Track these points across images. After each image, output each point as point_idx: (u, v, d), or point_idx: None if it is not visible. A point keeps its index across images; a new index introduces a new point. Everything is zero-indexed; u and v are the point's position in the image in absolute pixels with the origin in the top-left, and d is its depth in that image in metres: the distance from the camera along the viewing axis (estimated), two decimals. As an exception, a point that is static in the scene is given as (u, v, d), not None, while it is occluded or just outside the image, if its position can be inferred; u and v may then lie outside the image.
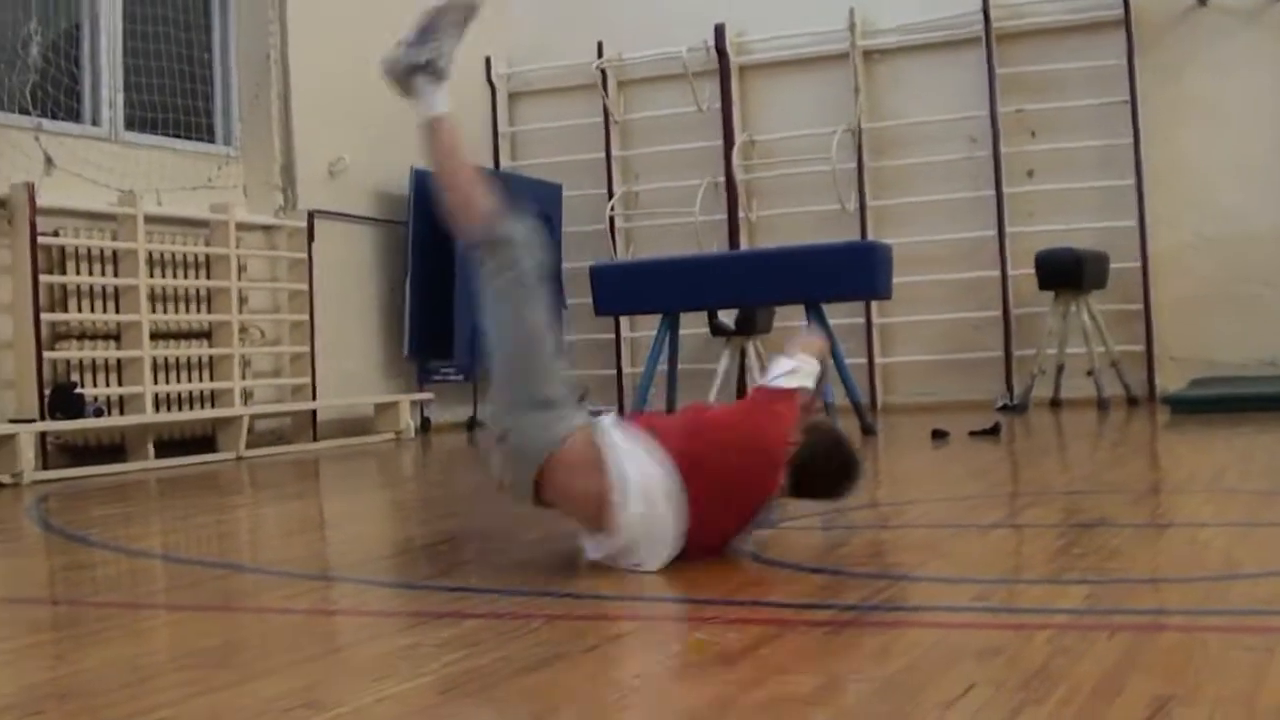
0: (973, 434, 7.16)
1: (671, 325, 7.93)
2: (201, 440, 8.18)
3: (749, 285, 7.63)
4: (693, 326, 9.26)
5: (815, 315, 7.50)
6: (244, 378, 8.51)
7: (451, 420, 10.14)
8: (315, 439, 8.90)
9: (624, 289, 7.88)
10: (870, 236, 9.90)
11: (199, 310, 8.30)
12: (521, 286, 3.30)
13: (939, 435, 7.17)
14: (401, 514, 5.65)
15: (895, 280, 9.50)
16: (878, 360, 10.08)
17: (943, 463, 6.29)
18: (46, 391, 7.21)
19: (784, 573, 3.28)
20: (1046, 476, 5.65)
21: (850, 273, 7.33)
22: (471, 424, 10.01)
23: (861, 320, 9.95)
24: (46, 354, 7.28)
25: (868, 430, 7.64)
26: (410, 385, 9.95)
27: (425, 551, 4.08)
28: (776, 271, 7.51)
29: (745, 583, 3.17)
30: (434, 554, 3.98)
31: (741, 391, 10.02)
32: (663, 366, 8.09)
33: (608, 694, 2.26)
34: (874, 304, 9.87)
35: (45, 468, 7.10)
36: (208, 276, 8.34)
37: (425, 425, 9.96)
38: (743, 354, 9.97)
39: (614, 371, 10.75)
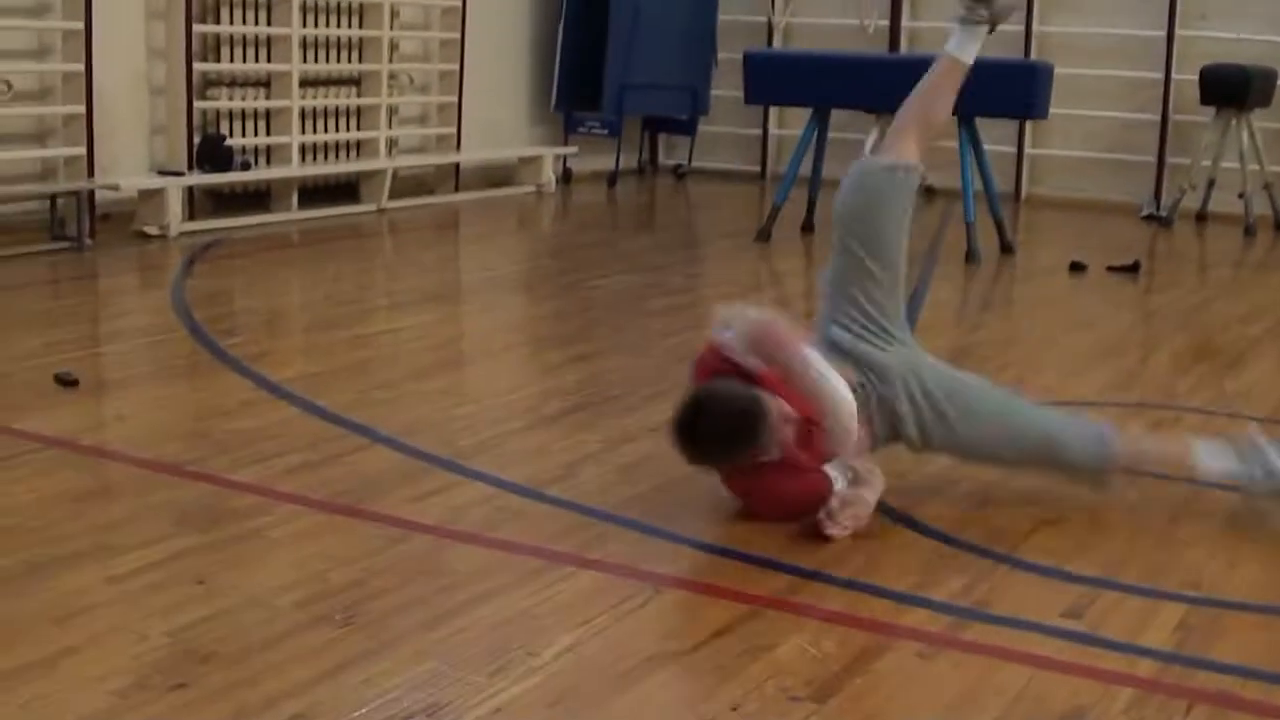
0: (1110, 269, 7.05)
1: (820, 122, 7.79)
2: (346, 189, 8.31)
3: (902, 89, 7.41)
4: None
5: (967, 130, 7.33)
6: (390, 127, 8.56)
7: (593, 171, 10.15)
8: (457, 189, 8.99)
9: (776, 79, 7.73)
10: (1037, 25, 9.56)
11: (350, 59, 8.31)
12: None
13: (1077, 268, 7.07)
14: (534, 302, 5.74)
15: (1056, 70, 9.25)
16: (1028, 150, 9.83)
17: (1074, 321, 6.23)
18: (196, 139, 7.34)
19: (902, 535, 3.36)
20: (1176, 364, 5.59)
21: (1007, 91, 7.11)
22: (613, 178, 10.02)
23: (1015, 108, 9.64)
24: (197, 103, 7.37)
25: (1006, 249, 7.54)
26: (556, 137, 9.94)
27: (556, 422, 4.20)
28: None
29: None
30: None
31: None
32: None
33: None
34: (1030, 93, 9.57)
35: (192, 217, 7.30)
36: (360, 25, 8.30)
37: (567, 176, 9.99)
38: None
39: (758, 167, 10.64)
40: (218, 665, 2.54)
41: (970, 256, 7.17)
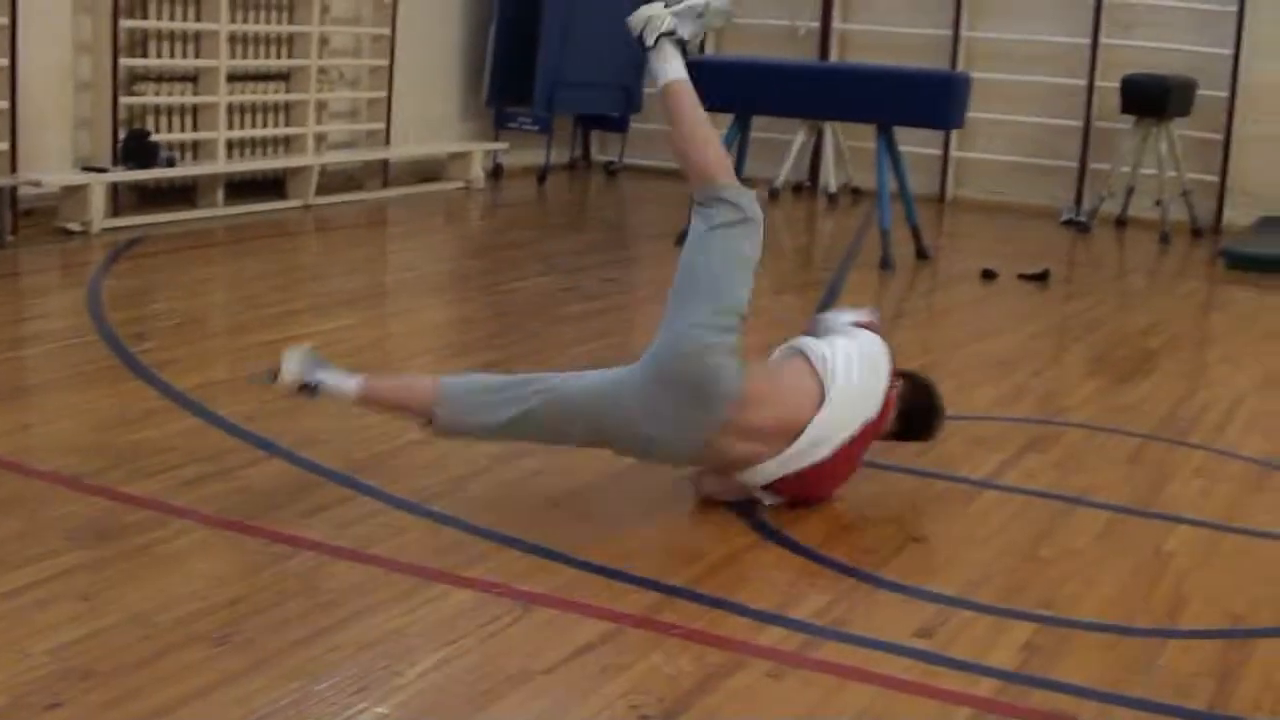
0: (1022, 277, 7.20)
1: (742, 127, 7.90)
2: (273, 184, 8.36)
3: (822, 99, 7.58)
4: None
5: (885, 138, 7.46)
6: (319, 122, 8.61)
7: (524, 166, 10.22)
8: (386, 185, 9.05)
9: (697, 85, 7.80)
10: (965, 31, 9.72)
11: (279, 54, 8.34)
12: (738, 229, 3.62)
13: (989, 275, 7.22)
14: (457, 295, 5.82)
15: (982, 75, 9.40)
16: (953, 153, 9.98)
17: (983, 320, 6.38)
18: (121, 134, 7.37)
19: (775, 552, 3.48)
20: (1076, 378, 5.74)
21: (924, 101, 7.25)
22: (542, 175, 10.10)
23: (942, 111, 9.79)
24: (123, 99, 7.40)
25: (921, 254, 7.68)
26: (487, 131, 10.01)
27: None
28: (851, 89, 7.45)
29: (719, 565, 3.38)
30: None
31: (815, 170, 10.05)
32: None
33: None
34: (956, 97, 9.74)
35: (115, 213, 7.33)
36: (290, 20, 8.34)
37: (498, 172, 10.06)
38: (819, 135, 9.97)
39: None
40: (94, 684, 2.63)
41: (884, 263, 7.30)
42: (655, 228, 8.40)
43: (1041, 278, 7.19)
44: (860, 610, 3.15)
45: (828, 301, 4.17)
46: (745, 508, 3.66)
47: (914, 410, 3.81)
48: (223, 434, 4.14)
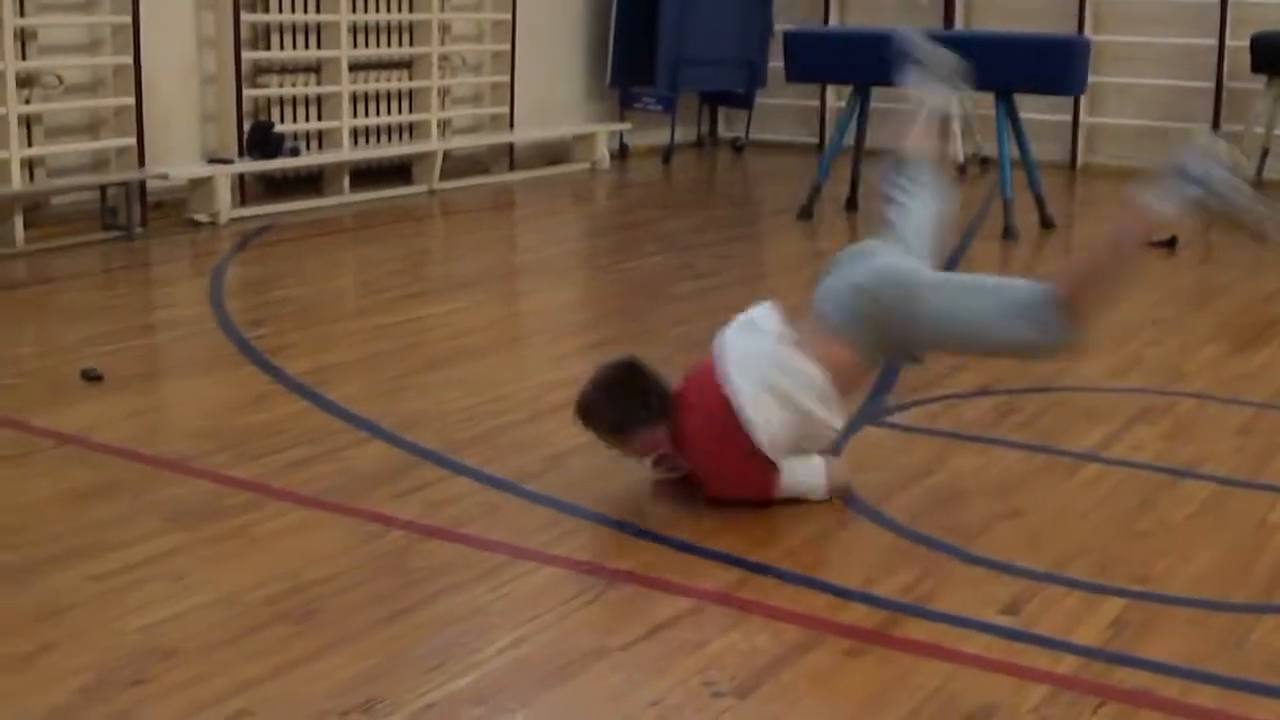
0: (1150, 244, 6.99)
1: (861, 98, 7.82)
2: (399, 170, 8.48)
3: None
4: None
5: (1004, 105, 7.33)
6: (443, 108, 8.71)
7: (650, 146, 10.23)
8: (512, 168, 9.13)
9: (815, 57, 7.77)
10: (1092, -6, 9.52)
11: (400, 43, 8.46)
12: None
13: (1114, 241, 7.04)
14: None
15: (1109, 38, 9.19)
16: (1083, 119, 9.75)
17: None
18: (246, 126, 7.54)
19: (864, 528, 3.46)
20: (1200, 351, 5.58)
21: (1043, 67, 7.10)
22: (667, 154, 10.11)
23: (1072, 77, 9.57)
24: (247, 91, 7.57)
25: (1046, 224, 7.53)
26: (612, 113, 10.04)
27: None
28: (972, 56, 7.27)
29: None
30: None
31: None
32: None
33: None
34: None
35: (243, 203, 7.51)
36: (410, 9, 8.45)
37: (623, 152, 10.09)
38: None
39: (816, 139, 10.63)
40: (178, 661, 2.71)
41: (1007, 233, 7.18)
42: (775, 204, 8.37)
43: (1169, 244, 6.98)
44: (946, 587, 3.11)
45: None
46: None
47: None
48: (329, 417, 4.23)
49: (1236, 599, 3.09)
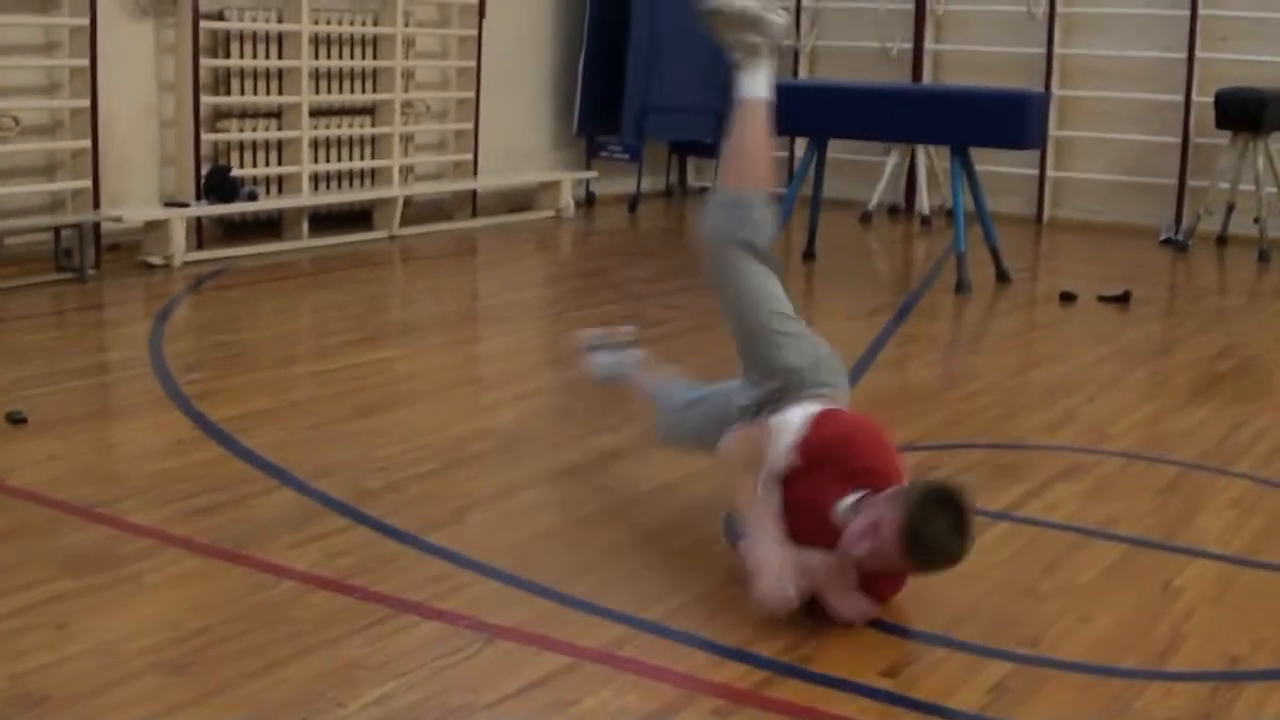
0: (1101, 299, 7.02)
1: (818, 149, 7.84)
2: (360, 215, 8.49)
3: (896, 121, 7.49)
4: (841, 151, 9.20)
5: (960, 159, 7.35)
6: (405, 154, 8.73)
7: (617, 194, 10.25)
8: (474, 215, 9.14)
9: (780, 109, 7.76)
10: (1059, 49, 9.55)
11: (363, 89, 8.48)
12: (740, 251, 3.58)
13: (1067, 297, 7.05)
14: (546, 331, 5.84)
15: (1077, 93, 9.23)
16: (1050, 173, 9.78)
17: (1050, 344, 6.24)
18: (204, 170, 7.55)
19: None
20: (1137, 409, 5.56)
21: (999, 122, 7.12)
22: (633, 203, 10.13)
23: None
24: (206, 135, 7.59)
25: (1002, 277, 7.53)
26: (579, 161, 10.07)
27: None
28: (924, 111, 7.36)
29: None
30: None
31: (910, 192, 9.92)
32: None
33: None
34: (1053, 117, 9.56)
35: (200, 246, 7.52)
36: (374, 56, 8.48)
37: (590, 199, 10.11)
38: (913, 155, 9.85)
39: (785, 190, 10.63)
40: (45, 710, 2.69)
41: (960, 287, 7.17)
42: (737, 254, 8.33)
43: (1123, 299, 7.00)
44: (829, 648, 3.07)
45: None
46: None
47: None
48: (244, 465, 4.20)
49: (1128, 664, 3.05)
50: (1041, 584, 3.48)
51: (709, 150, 10.54)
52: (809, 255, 8.02)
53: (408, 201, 8.65)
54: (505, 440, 4.54)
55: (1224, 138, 8.80)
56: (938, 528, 2.95)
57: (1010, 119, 7.07)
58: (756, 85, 3.81)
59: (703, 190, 10.85)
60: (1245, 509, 4.09)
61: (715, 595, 3.34)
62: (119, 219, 7.06)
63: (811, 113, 7.59)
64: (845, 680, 2.90)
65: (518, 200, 9.56)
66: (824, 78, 10.17)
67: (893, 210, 10.13)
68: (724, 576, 3.43)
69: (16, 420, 4.50)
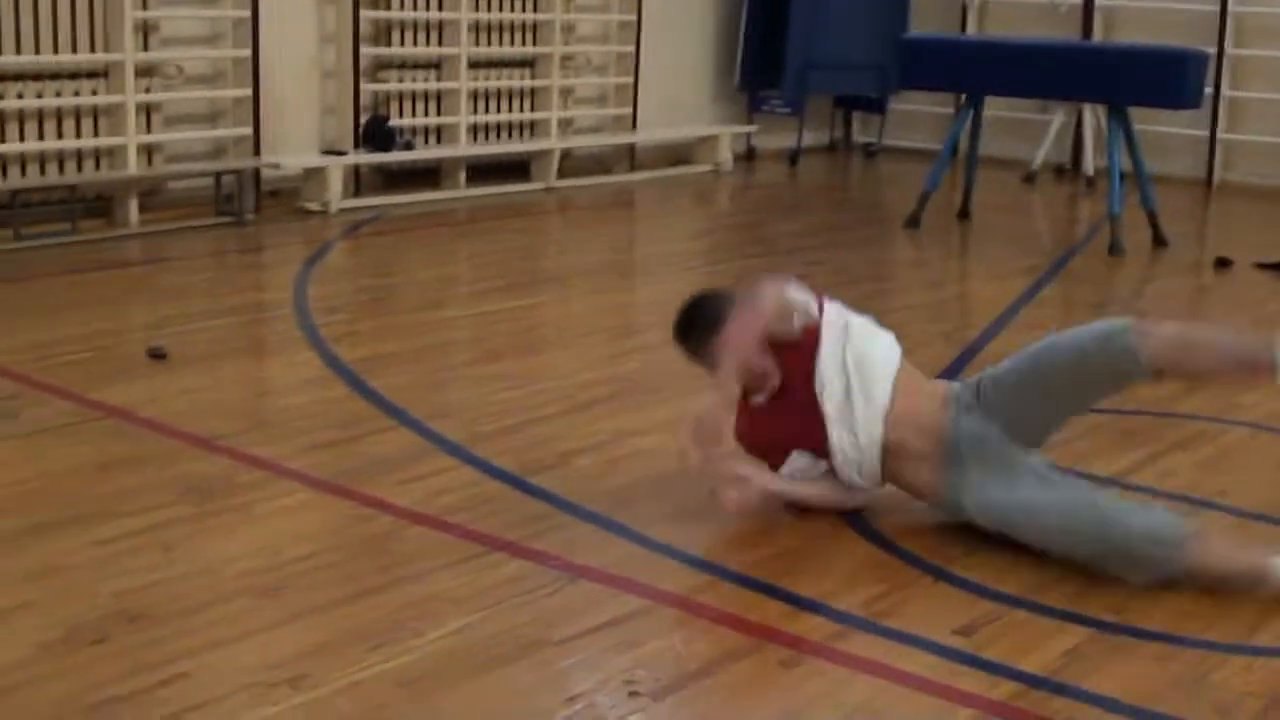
0: (1258, 266, 6.80)
1: (974, 106, 7.72)
2: (518, 167, 8.61)
3: (1050, 77, 7.33)
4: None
5: (1117, 119, 7.17)
6: (564, 108, 8.83)
7: (778, 149, 10.22)
8: (633, 168, 9.20)
9: (928, 65, 7.69)
10: (1233, 5, 9.22)
11: (523, 42, 8.58)
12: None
13: (1223, 264, 6.85)
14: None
15: (1251, 53, 8.92)
16: (1220, 135, 9.46)
17: (1188, 312, 6.07)
18: (362, 120, 7.74)
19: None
20: None
21: (1157, 79, 6.92)
22: (794, 157, 10.09)
23: (1209, 90, 9.27)
24: (366, 86, 7.77)
25: (1159, 241, 7.33)
26: (740, 116, 10.06)
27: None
28: (1080, 68, 7.19)
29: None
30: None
31: (1077, 152, 9.69)
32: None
33: None
34: (1225, 77, 9.27)
35: (358, 194, 7.72)
36: (534, 8, 8.57)
37: (751, 154, 10.10)
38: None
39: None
40: (141, 626, 2.84)
41: (1113, 248, 7.01)
42: (891, 211, 8.25)
43: (1279, 267, 6.77)
44: (910, 604, 3.08)
45: None
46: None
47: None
48: (367, 404, 4.33)
49: (1213, 637, 2.99)
50: (1139, 552, 3.41)
51: (873, 105, 10.45)
52: (964, 214, 7.91)
53: (566, 154, 8.76)
54: (626, 387, 4.59)
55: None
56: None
57: (1168, 77, 6.87)
58: None
59: (866, 146, 10.75)
60: (1375, 485, 3.96)
61: (804, 549, 3.36)
62: (277, 166, 7.28)
63: (964, 69, 7.49)
64: (919, 637, 2.90)
65: (677, 154, 9.59)
66: (985, 33, 9.96)
67: (1059, 170, 9.92)
68: (815, 531, 3.44)
69: (157, 355, 4.70)
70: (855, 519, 3.51)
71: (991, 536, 3.33)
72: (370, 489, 3.61)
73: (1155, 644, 2.95)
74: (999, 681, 2.74)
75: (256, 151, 7.23)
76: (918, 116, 10.53)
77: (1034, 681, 2.74)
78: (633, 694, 2.63)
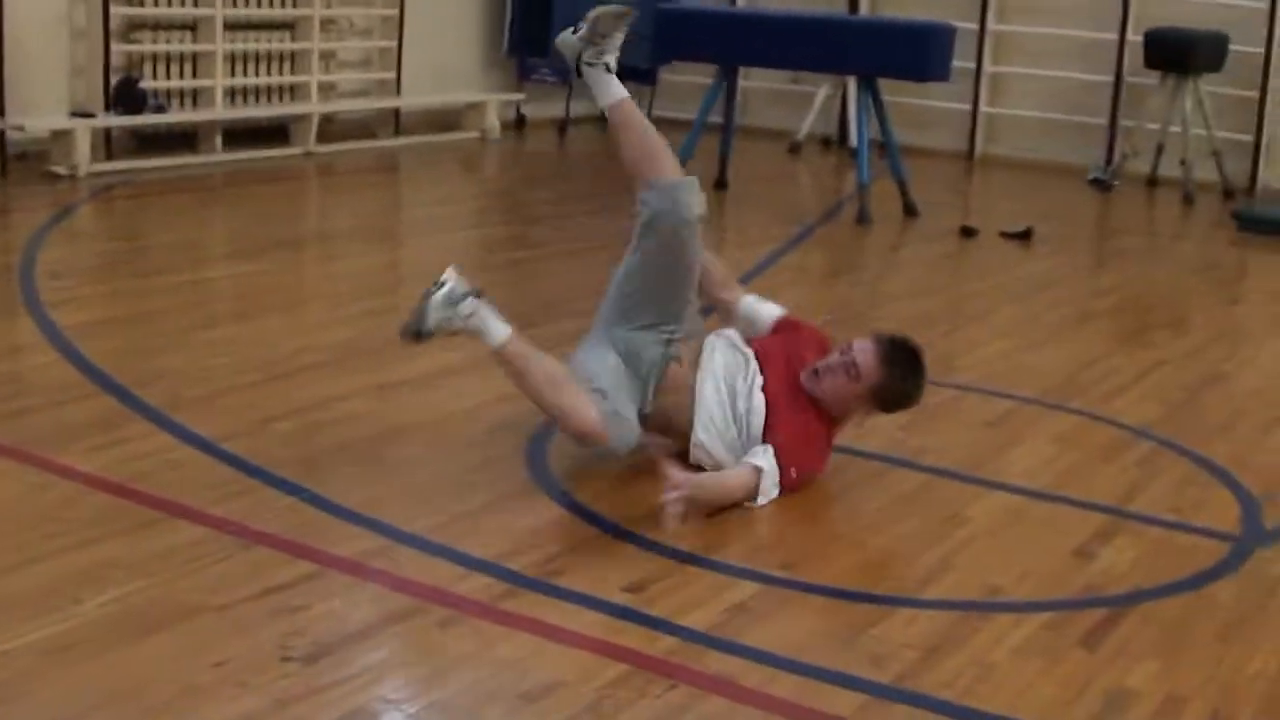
0: (1003, 235, 7.02)
1: (728, 78, 7.80)
2: (277, 132, 8.45)
3: (802, 50, 7.45)
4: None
5: (865, 89, 7.32)
6: (327, 71, 8.69)
7: (551, 118, 10.21)
8: (398, 133, 9.10)
9: (684, 35, 7.75)
10: (993, -21, 9.50)
11: (282, 4, 8.41)
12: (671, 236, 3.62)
13: (968, 232, 7.05)
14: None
15: (1011, 28, 9.17)
16: (983, 109, 9.73)
17: (930, 278, 6.23)
18: (113, 82, 7.52)
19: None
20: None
21: (904, 53, 7.08)
22: (562, 126, 10.10)
23: (971, 66, 9.53)
24: (118, 47, 7.55)
25: (909, 210, 7.51)
26: (510, 83, 10.01)
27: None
28: (831, 40, 7.32)
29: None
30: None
31: (844, 124, 9.84)
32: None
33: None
34: (986, 52, 9.54)
35: (110, 158, 7.49)
36: (293, -29, 8.42)
37: (521, 122, 10.07)
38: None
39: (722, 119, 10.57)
40: None
41: (861, 217, 7.16)
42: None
43: (1024, 236, 6.99)
44: (583, 562, 3.10)
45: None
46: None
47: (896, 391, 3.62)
48: (73, 370, 4.21)
49: (882, 590, 3.08)
50: (823, 511, 3.51)
51: (643, 76, 10.47)
52: (720, 184, 7.99)
53: (329, 119, 8.62)
54: (337, 354, 4.53)
55: (1154, 78, 8.75)
56: (907, 372, 3.57)
57: (914, 50, 7.03)
58: (616, 86, 3.77)
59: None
60: (1067, 444, 4.12)
61: (488, 510, 3.37)
62: (21, 128, 7.03)
63: (717, 40, 7.57)
64: (588, 595, 2.92)
65: (445, 121, 9.51)
66: (735, 6, 10.08)
67: (825, 142, 10.09)
68: (504, 493, 3.45)
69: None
70: (549, 481, 3.53)
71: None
72: (57, 456, 3.51)
73: (822, 598, 3.03)
74: (658, 637, 2.78)
75: (1, 113, 6.96)
76: (690, 89, 10.57)
77: (693, 636, 2.79)
78: (285, 659, 2.60)
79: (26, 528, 3.10)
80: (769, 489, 3.43)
